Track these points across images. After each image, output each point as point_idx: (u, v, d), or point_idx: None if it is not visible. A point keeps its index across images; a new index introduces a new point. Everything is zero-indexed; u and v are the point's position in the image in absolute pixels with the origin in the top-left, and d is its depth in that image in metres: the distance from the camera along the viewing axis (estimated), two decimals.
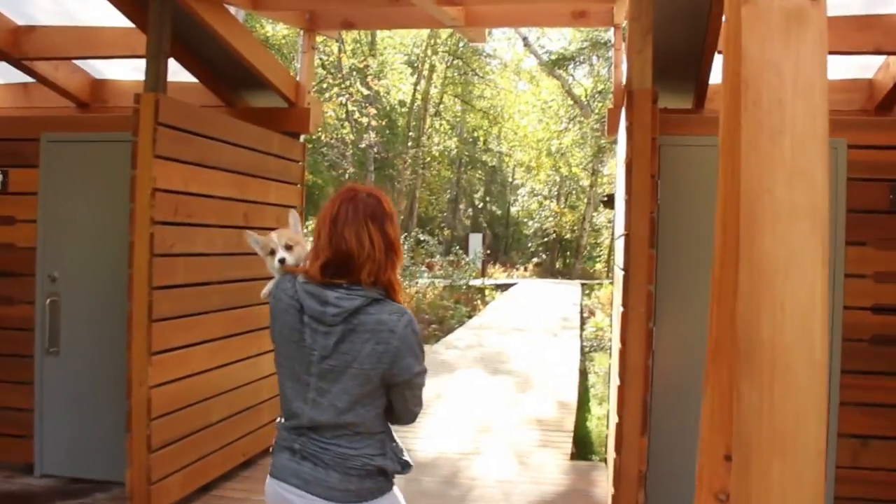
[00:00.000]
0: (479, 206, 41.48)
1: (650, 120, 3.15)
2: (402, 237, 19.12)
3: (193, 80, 4.93)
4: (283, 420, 1.98)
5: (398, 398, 1.95)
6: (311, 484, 1.87)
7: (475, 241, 27.45)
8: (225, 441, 4.41)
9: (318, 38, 5.81)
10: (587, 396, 8.33)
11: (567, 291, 21.28)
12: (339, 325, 1.84)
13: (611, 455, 3.53)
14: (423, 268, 18.50)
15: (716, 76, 3.86)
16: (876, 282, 3.77)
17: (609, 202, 20.91)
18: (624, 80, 4.43)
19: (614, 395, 3.60)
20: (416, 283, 17.06)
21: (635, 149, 3.14)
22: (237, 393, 4.52)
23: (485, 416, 6.74)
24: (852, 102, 4.26)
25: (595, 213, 32.57)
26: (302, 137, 5.45)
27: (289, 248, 2.05)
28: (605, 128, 4.87)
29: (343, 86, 18.40)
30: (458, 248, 21.37)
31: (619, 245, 3.53)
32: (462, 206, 39.53)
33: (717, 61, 3.73)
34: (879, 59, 4.13)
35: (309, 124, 5.26)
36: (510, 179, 42.94)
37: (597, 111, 17.95)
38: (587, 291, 20.11)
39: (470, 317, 15.63)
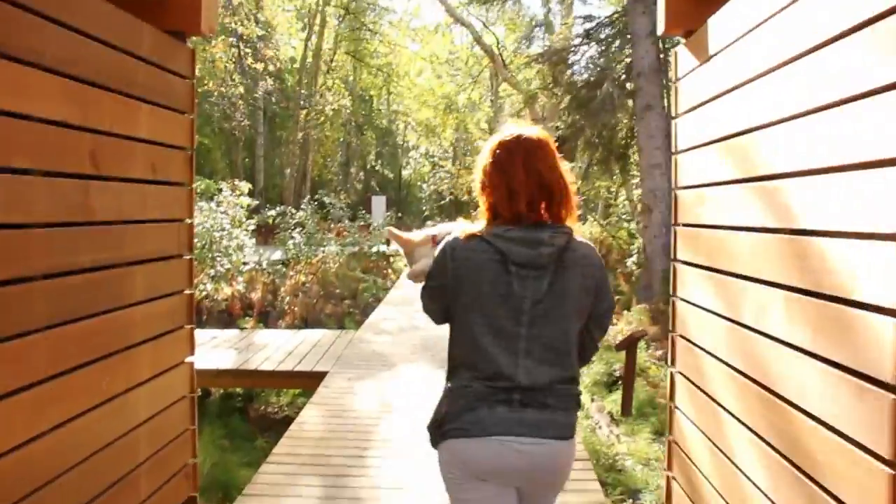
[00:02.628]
0: (370, 169, 39.81)
1: None
2: (305, 200, 17.11)
3: None
4: (477, 381, 1.90)
5: (588, 333, 2.03)
6: (542, 428, 1.87)
7: (379, 203, 25.25)
8: None
9: None
10: None
11: None
12: (551, 264, 1.87)
13: None
14: (330, 234, 16.48)
15: None
16: None
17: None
18: None
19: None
20: (323, 251, 15.08)
21: None
22: (92, 464, 2.62)
23: None
24: None
25: None
26: (191, 45, 3.53)
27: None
28: (665, 21, 3.24)
29: (235, 21, 15.96)
30: (364, 211, 19.44)
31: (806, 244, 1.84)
32: (353, 170, 37.72)
33: None
34: None
35: (200, 19, 3.34)
36: (401, 142, 41.57)
37: (511, 60, 16.41)
38: None
39: (386, 290, 13.86)
